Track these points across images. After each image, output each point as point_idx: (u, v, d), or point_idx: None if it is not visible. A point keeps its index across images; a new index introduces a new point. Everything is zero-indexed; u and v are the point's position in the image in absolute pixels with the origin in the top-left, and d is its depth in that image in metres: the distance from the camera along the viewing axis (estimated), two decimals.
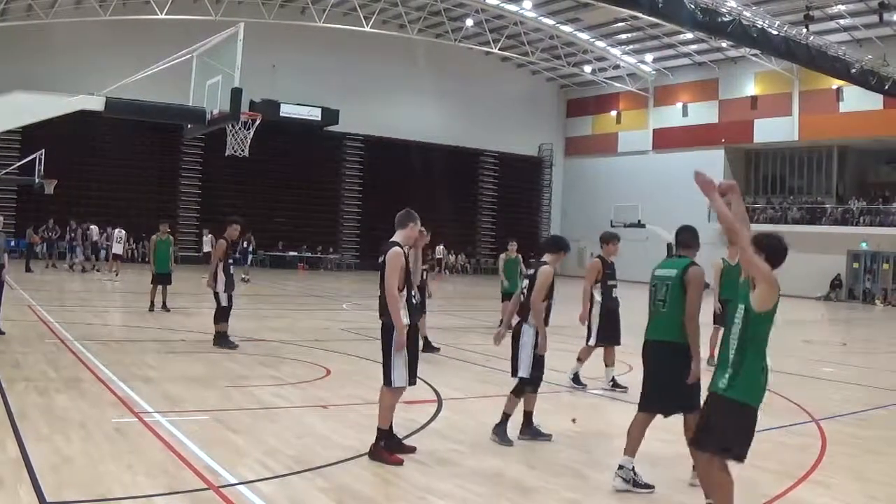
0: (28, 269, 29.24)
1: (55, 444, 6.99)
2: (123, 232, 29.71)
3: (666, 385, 6.68)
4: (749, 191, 49.20)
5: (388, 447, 7.19)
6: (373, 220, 48.28)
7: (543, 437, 8.25)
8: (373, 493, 6.21)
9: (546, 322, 8.18)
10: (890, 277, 40.64)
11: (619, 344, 11.44)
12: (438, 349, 14.33)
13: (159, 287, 18.74)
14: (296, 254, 45.13)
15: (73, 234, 32.94)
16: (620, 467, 6.71)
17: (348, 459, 7.04)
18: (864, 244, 41.00)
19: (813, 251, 39.67)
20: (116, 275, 28.11)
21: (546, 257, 8.41)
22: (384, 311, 7.27)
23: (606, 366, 11.42)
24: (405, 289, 7.32)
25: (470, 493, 6.35)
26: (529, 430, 8.26)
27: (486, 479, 6.73)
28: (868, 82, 32.31)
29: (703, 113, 48.87)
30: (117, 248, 29.15)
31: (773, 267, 5.37)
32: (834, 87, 40.78)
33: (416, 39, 45.17)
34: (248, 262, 34.38)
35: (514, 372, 8.12)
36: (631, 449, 6.77)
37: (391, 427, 7.34)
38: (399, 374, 7.27)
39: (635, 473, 6.71)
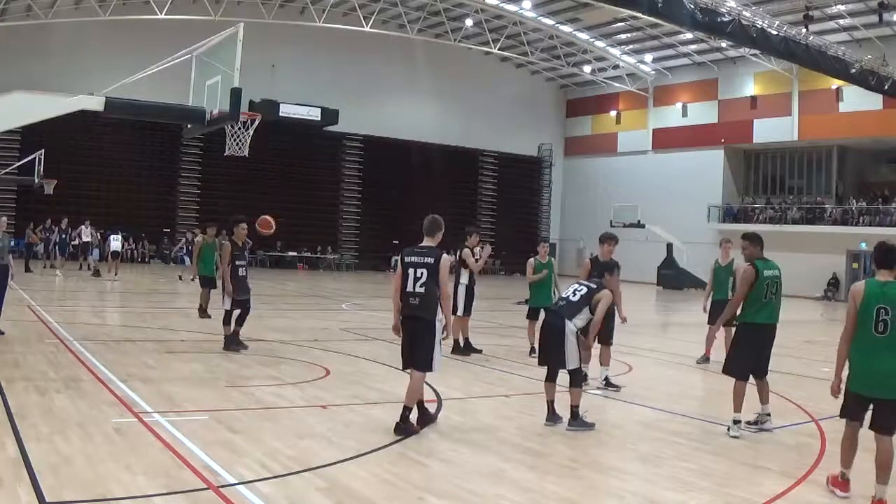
0: (27, 269, 29.25)
1: (55, 444, 6.99)
2: (119, 235, 29.71)
3: None
4: (748, 191, 49.28)
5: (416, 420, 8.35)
6: (372, 220, 48.40)
7: (588, 426, 8.77)
8: (371, 494, 6.20)
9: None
10: None
11: (609, 343, 11.47)
12: (480, 351, 14.40)
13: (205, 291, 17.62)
14: (295, 254, 45.15)
15: (64, 235, 32.74)
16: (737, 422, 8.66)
17: (347, 459, 7.04)
18: (863, 244, 40.97)
19: (812, 251, 39.71)
20: (115, 275, 28.12)
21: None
22: (426, 308, 8.16)
23: (601, 364, 11.44)
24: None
25: (469, 493, 6.35)
26: (574, 420, 8.79)
27: (485, 480, 6.72)
28: (868, 82, 32.31)
29: (703, 113, 48.91)
30: (115, 247, 29.11)
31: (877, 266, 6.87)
32: (833, 87, 40.82)
33: (416, 39, 45.21)
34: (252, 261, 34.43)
35: (559, 365, 8.79)
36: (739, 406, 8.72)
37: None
38: (439, 360, 8.38)
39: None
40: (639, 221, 44.08)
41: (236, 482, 6.22)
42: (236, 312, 13.23)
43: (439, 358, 8.35)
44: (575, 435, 8.57)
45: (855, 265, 41.62)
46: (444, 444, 7.84)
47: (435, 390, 10.41)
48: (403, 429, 8.08)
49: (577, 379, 8.82)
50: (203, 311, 17.05)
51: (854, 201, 43.21)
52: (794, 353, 16.10)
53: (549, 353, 8.87)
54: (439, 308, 8.25)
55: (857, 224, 41.85)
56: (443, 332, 8.32)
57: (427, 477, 6.75)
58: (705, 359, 14.44)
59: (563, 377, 8.92)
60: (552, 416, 8.88)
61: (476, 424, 8.79)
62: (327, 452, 7.25)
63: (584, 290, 8.91)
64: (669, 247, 44.22)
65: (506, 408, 9.77)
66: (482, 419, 9.01)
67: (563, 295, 9.11)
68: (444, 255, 8.30)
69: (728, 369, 8.91)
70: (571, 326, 8.69)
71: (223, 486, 6.11)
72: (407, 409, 8.20)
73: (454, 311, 14.20)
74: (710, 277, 14.80)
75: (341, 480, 6.47)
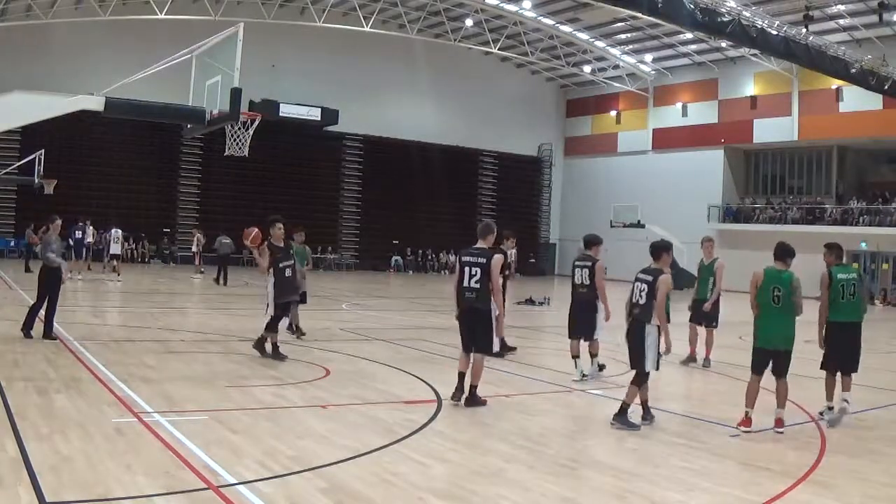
0: (27, 269, 29.20)
1: (55, 443, 6.99)
2: (121, 231, 29.53)
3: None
4: (749, 191, 49.28)
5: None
6: (372, 220, 48.40)
7: (634, 426, 9.00)
8: (371, 494, 6.20)
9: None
10: (889, 277, 40.66)
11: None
12: (515, 349, 14.57)
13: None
14: None
15: (81, 235, 32.29)
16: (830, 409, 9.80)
17: (347, 459, 7.04)
18: (863, 244, 41.01)
19: (812, 251, 39.48)
20: (118, 275, 28.06)
21: (658, 263, 9.38)
22: (482, 300, 9.47)
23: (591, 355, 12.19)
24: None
25: (469, 493, 6.35)
26: (647, 414, 9.24)
27: (485, 480, 6.73)
28: (867, 82, 32.27)
29: (703, 113, 48.90)
30: (115, 249, 28.98)
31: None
32: (833, 87, 40.82)
33: (416, 39, 45.21)
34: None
35: (634, 365, 9.14)
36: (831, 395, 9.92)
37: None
38: (498, 344, 9.97)
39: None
40: (639, 221, 44.02)
41: (236, 482, 6.22)
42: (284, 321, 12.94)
43: (496, 341, 9.79)
44: (576, 435, 8.61)
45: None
46: (445, 444, 7.85)
47: (435, 390, 10.42)
48: (472, 401, 9.53)
49: (642, 379, 9.08)
50: (298, 329, 15.30)
51: (854, 201, 43.21)
52: (795, 353, 16.07)
53: (632, 356, 9.22)
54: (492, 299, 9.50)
55: (857, 224, 41.85)
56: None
57: (427, 477, 6.75)
58: (691, 358, 14.39)
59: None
60: (647, 415, 9.17)
61: (477, 424, 8.79)
62: (327, 452, 7.25)
63: (646, 287, 9.11)
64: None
65: (506, 408, 9.76)
66: (482, 419, 9.01)
67: (633, 300, 9.24)
68: (496, 256, 9.57)
69: (823, 365, 10.04)
70: (651, 329, 9.00)
71: (223, 486, 6.11)
72: (473, 387, 9.58)
73: None
74: (698, 277, 14.92)
75: (341, 480, 6.47)
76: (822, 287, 9.90)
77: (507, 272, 14.21)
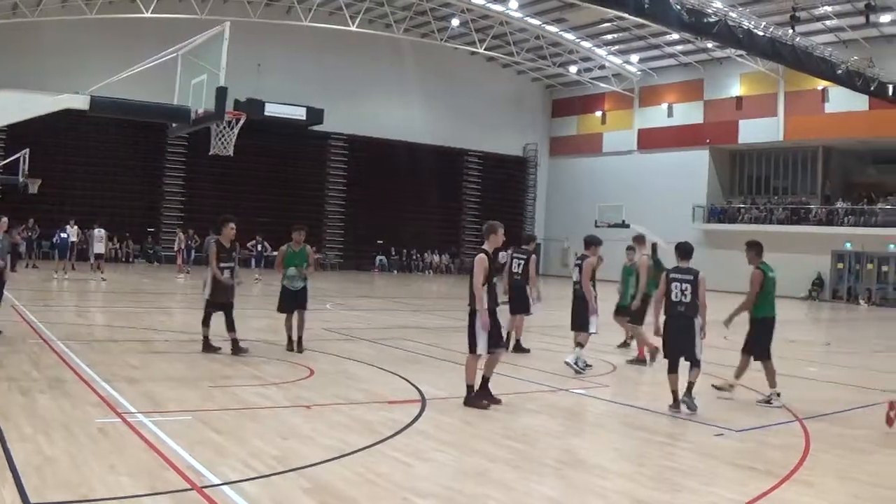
0: (13, 269, 28.97)
1: (38, 444, 6.95)
2: (104, 231, 29.22)
3: None
4: (734, 191, 49.47)
5: (478, 397, 9.72)
6: (357, 219, 48.36)
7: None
8: (355, 494, 6.19)
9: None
10: (874, 277, 40.89)
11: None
12: (528, 350, 14.82)
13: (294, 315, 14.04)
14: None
15: (65, 234, 31.81)
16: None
17: (331, 459, 7.02)
18: (848, 244, 41.23)
19: (797, 251, 39.82)
20: (102, 274, 27.88)
21: (688, 263, 10.08)
22: (472, 301, 9.56)
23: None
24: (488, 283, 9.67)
25: (453, 492, 6.34)
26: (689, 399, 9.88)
27: (469, 479, 6.72)
28: (854, 83, 32.44)
29: (689, 113, 49.09)
30: (99, 248, 28.71)
31: None
32: (819, 87, 41.07)
33: (402, 39, 45.27)
34: (262, 263, 33.24)
35: (686, 356, 9.85)
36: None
37: (473, 383, 9.80)
38: (482, 345, 9.56)
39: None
40: (623, 221, 44.00)
41: (220, 483, 6.20)
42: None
43: (483, 343, 9.55)
44: (560, 434, 8.61)
45: (840, 265, 41.84)
46: (429, 444, 7.84)
47: (419, 390, 10.42)
48: (470, 403, 9.64)
49: (699, 363, 9.88)
50: (290, 343, 13.83)
51: (839, 202, 43.44)
52: (778, 353, 16.14)
53: (682, 348, 9.87)
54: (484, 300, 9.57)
55: (842, 224, 42.08)
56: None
57: (411, 477, 6.74)
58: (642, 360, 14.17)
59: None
60: (678, 404, 9.81)
61: (461, 424, 8.79)
62: (311, 452, 7.23)
63: (689, 286, 9.76)
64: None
65: (491, 408, 9.75)
66: (467, 419, 9.01)
67: (675, 299, 9.82)
68: (477, 257, 9.62)
69: (746, 349, 10.86)
70: (697, 322, 9.78)
71: (207, 487, 6.09)
72: (469, 386, 9.78)
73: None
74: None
75: (325, 480, 6.46)
76: (755, 284, 10.60)
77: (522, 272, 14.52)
